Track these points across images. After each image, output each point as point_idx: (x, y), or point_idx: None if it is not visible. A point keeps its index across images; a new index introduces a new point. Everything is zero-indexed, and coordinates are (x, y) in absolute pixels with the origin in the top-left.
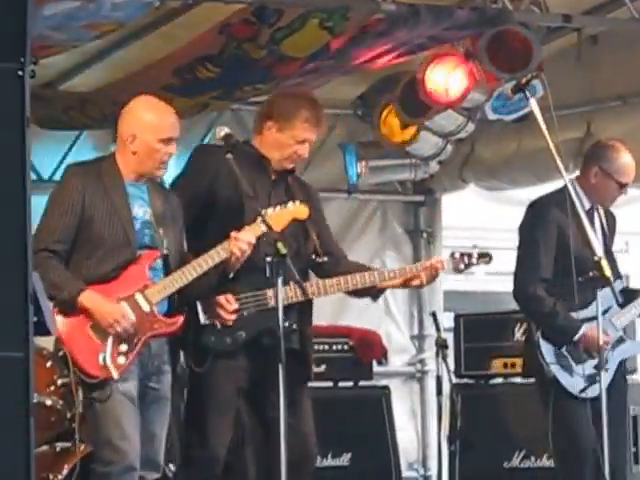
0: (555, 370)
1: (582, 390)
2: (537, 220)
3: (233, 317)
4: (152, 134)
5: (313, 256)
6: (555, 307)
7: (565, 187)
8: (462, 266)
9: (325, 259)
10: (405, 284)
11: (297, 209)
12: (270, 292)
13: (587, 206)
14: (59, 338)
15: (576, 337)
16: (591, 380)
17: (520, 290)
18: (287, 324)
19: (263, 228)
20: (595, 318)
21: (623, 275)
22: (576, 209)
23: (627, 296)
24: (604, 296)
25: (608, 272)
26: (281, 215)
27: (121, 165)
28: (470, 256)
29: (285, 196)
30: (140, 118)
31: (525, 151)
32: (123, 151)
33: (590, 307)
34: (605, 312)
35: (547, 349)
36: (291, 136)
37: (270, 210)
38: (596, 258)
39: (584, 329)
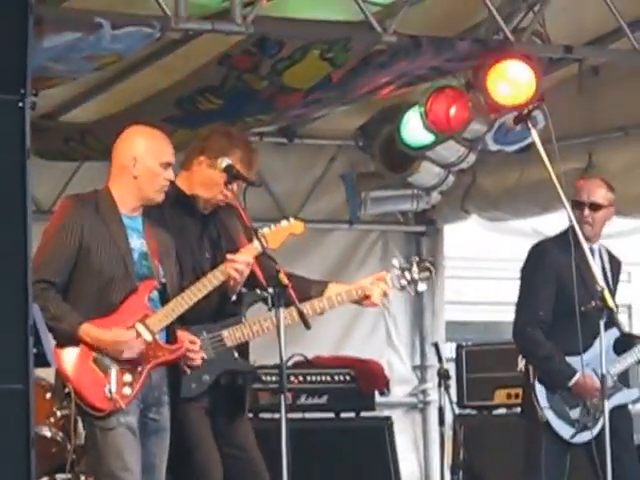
0: (548, 415)
1: (573, 435)
2: (537, 263)
3: (201, 355)
4: (153, 158)
5: (258, 290)
6: (551, 351)
7: (569, 228)
8: (404, 282)
9: (270, 291)
10: (356, 303)
11: (292, 225)
12: (226, 332)
13: (586, 246)
14: (64, 375)
15: (570, 383)
16: (582, 426)
17: (518, 332)
18: (253, 365)
19: (259, 248)
20: (595, 362)
21: (625, 305)
22: (579, 250)
23: (624, 343)
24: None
25: (611, 302)
26: (277, 233)
27: (116, 196)
28: (410, 271)
29: (216, 233)
30: (139, 144)
31: (527, 182)
32: (120, 180)
33: (590, 350)
34: None
35: (542, 392)
36: (221, 176)
37: (266, 229)
38: (599, 288)
39: (578, 375)
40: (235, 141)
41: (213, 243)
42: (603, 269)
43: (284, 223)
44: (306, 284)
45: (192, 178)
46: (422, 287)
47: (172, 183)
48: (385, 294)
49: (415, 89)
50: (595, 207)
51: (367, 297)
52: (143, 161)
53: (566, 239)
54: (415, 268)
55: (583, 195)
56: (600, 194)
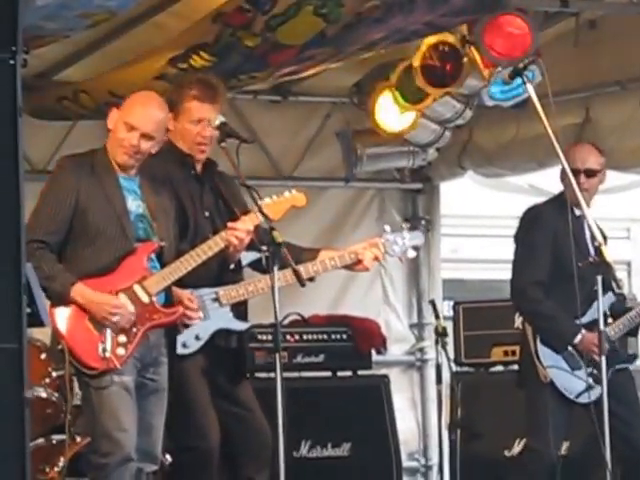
0: (552, 374)
1: (578, 395)
2: (533, 225)
3: (200, 314)
4: (122, 115)
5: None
6: (554, 309)
7: (560, 193)
8: (396, 248)
9: (264, 248)
10: (347, 268)
11: (295, 197)
12: (221, 292)
13: (577, 213)
14: (58, 332)
15: (576, 339)
16: (587, 386)
17: (518, 293)
18: (248, 324)
19: (260, 217)
20: (594, 323)
21: (625, 262)
22: (573, 211)
23: (620, 307)
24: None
25: (608, 257)
26: (279, 204)
27: (111, 156)
28: (402, 237)
29: (212, 194)
30: (127, 103)
31: (524, 137)
32: (109, 136)
33: (589, 312)
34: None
35: (545, 353)
36: (186, 120)
37: (267, 199)
38: (597, 243)
39: (584, 332)
40: (185, 82)
41: (211, 203)
42: (592, 238)
43: (286, 194)
44: (298, 251)
45: (172, 137)
46: (412, 254)
47: (170, 142)
48: (377, 259)
49: (410, 45)
50: (590, 173)
51: (359, 262)
52: (118, 116)
53: (559, 202)
54: (406, 234)
55: (577, 162)
56: (593, 160)
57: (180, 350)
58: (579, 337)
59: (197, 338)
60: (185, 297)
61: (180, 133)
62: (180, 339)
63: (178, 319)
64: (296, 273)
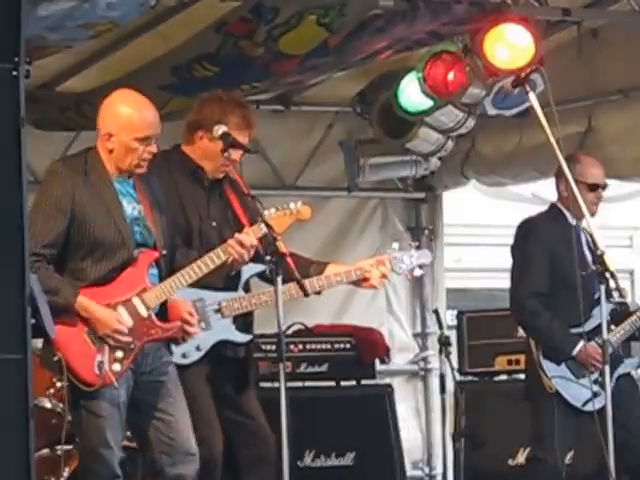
0: (558, 384)
1: (584, 404)
2: (529, 237)
3: (198, 330)
4: (128, 133)
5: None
6: (552, 321)
7: (554, 204)
8: (403, 266)
9: (268, 258)
10: (353, 285)
11: (299, 210)
12: (224, 303)
13: (573, 223)
14: (55, 343)
15: (574, 352)
16: (592, 394)
17: (517, 305)
18: (250, 336)
19: (264, 230)
20: (595, 331)
21: (627, 270)
22: (568, 225)
23: (621, 313)
24: (599, 313)
25: (612, 266)
26: (283, 217)
27: (104, 159)
28: (409, 255)
29: (220, 204)
30: (117, 115)
31: (526, 146)
32: (103, 146)
33: (590, 321)
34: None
35: (548, 365)
36: (221, 144)
37: (273, 211)
38: (599, 252)
39: (582, 344)
40: (227, 107)
41: (219, 213)
42: (589, 248)
43: (291, 207)
44: (305, 263)
45: (196, 152)
46: (419, 272)
47: (181, 151)
48: (384, 277)
49: (413, 54)
50: (605, 187)
51: (365, 279)
52: (118, 136)
53: (554, 213)
54: (414, 252)
55: (597, 178)
56: (604, 173)
57: (180, 360)
58: (577, 349)
59: (197, 349)
60: (185, 311)
61: (211, 153)
62: (180, 349)
63: (175, 335)
64: (300, 285)
